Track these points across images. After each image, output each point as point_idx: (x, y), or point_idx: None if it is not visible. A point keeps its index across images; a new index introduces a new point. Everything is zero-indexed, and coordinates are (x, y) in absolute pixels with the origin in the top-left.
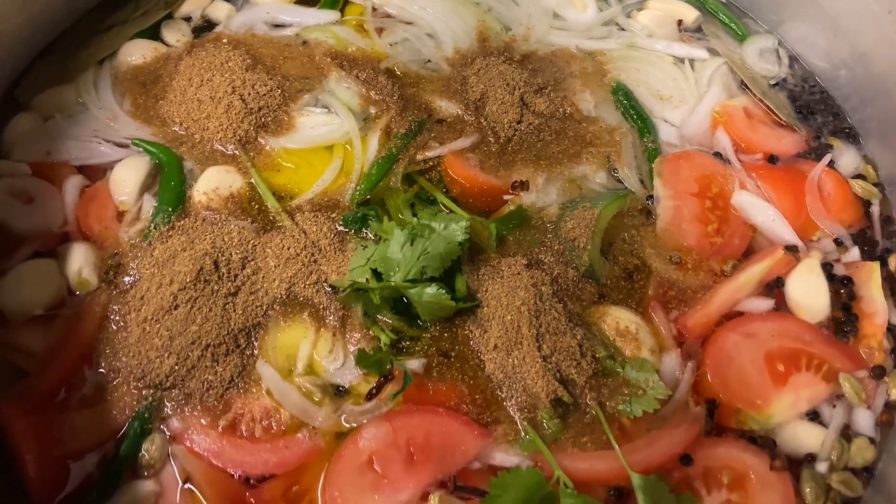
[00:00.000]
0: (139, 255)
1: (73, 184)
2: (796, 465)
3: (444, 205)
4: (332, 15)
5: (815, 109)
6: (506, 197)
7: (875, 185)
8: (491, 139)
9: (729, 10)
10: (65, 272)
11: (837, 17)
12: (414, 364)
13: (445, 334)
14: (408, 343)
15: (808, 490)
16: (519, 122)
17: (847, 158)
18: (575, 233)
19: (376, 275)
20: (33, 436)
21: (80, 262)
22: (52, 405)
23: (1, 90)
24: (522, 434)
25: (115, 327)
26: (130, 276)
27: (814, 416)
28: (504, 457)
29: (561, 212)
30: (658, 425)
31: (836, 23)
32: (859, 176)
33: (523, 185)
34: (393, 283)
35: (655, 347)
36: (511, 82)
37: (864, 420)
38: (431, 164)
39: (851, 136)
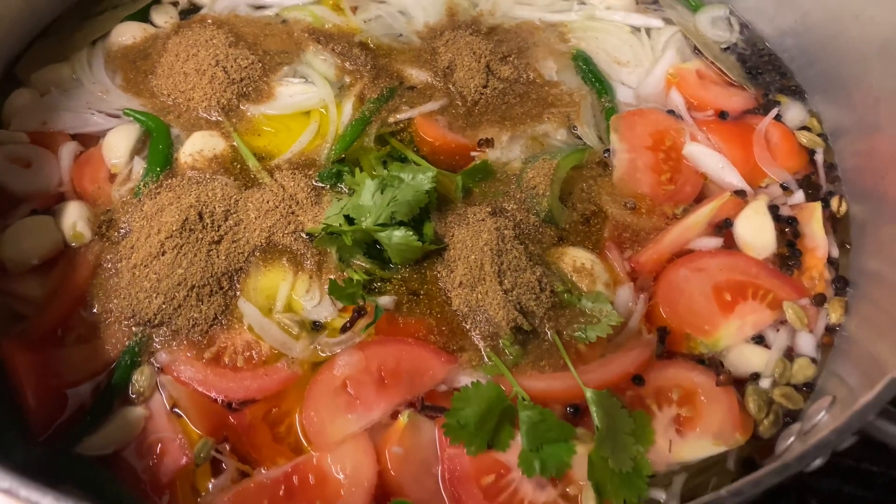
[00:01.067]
0: (130, 210)
1: (68, 149)
2: (742, 383)
3: (414, 162)
4: None
5: (763, 70)
6: (473, 154)
7: (819, 135)
8: (459, 103)
9: None
10: (61, 227)
11: None
12: (385, 300)
13: (415, 275)
14: (380, 284)
15: (751, 402)
16: (485, 87)
17: (793, 112)
18: (535, 181)
19: (349, 220)
20: (32, 369)
21: (74, 217)
22: (49, 343)
23: (2, 67)
24: (486, 359)
25: (107, 274)
26: (122, 229)
27: (759, 339)
28: (468, 380)
29: (523, 165)
30: (613, 351)
31: None
32: (805, 128)
33: (488, 143)
34: (364, 227)
35: (610, 282)
36: (477, 51)
37: (806, 342)
38: (403, 125)
39: (797, 93)
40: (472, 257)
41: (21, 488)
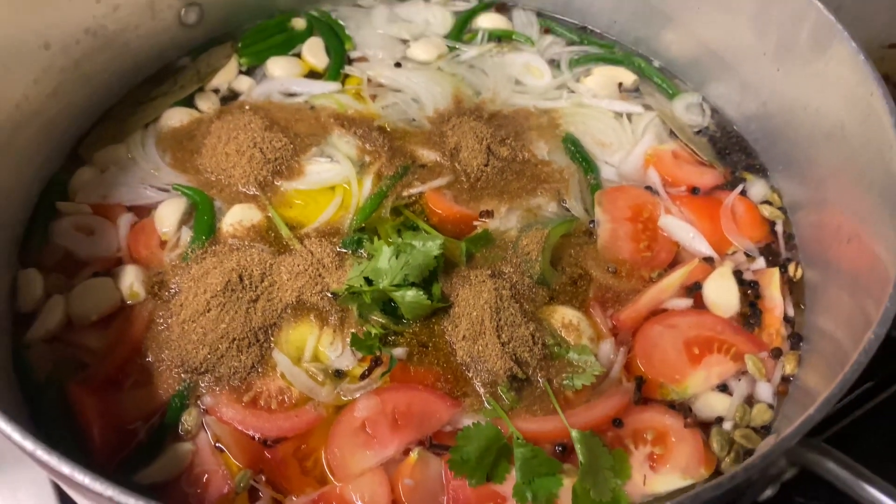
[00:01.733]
0: (179, 273)
1: (125, 220)
2: (708, 425)
3: (425, 231)
4: (334, 85)
5: (731, 150)
6: (475, 223)
7: (779, 208)
8: (463, 179)
9: (662, 74)
10: (119, 287)
11: (745, 79)
12: (398, 351)
13: (424, 330)
14: (394, 337)
15: (715, 442)
16: (486, 165)
17: (757, 188)
18: (529, 248)
19: (368, 281)
20: (96, 411)
21: (131, 279)
22: (110, 387)
23: (68, 149)
24: (486, 404)
25: (160, 328)
26: (172, 289)
27: (723, 387)
28: (470, 422)
29: (519, 233)
30: (596, 397)
31: (744, 83)
32: (766, 202)
33: (489, 214)
34: (381, 287)
35: (594, 336)
36: (480, 134)
37: (764, 391)
38: (414, 199)
39: (761, 171)
40: (474, 314)
41: (121, 495)
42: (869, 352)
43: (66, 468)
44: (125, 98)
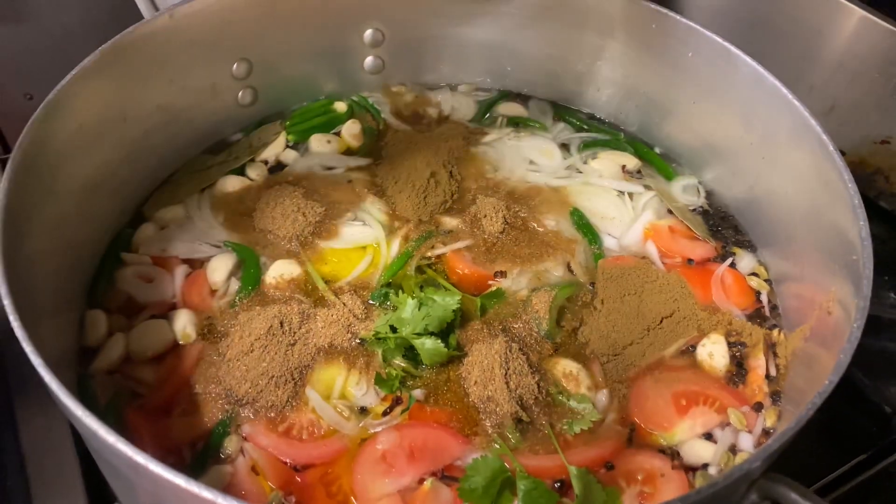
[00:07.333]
0: (227, 318)
1: (180, 271)
2: (694, 470)
3: (445, 287)
4: (367, 161)
5: (723, 227)
6: (490, 282)
7: (765, 280)
8: (481, 243)
9: (662, 159)
10: (173, 329)
11: (734, 165)
12: (417, 392)
13: (441, 375)
14: (413, 381)
15: (699, 483)
16: (502, 233)
17: (745, 261)
18: (537, 307)
19: (392, 329)
20: (150, 435)
21: (183, 322)
22: (161, 415)
23: (133, 207)
24: (493, 443)
25: (207, 365)
26: (220, 332)
27: (708, 436)
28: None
29: (529, 293)
30: (593, 441)
31: (733, 169)
32: (754, 274)
33: (503, 274)
34: (404, 335)
35: (592, 387)
36: (497, 206)
37: (746, 441)
38: (437, 259)
39: (749, 246)
40: (486, 362)
41: (219, 498)
42: (823, 395)
43: None
44: (185, 166)
